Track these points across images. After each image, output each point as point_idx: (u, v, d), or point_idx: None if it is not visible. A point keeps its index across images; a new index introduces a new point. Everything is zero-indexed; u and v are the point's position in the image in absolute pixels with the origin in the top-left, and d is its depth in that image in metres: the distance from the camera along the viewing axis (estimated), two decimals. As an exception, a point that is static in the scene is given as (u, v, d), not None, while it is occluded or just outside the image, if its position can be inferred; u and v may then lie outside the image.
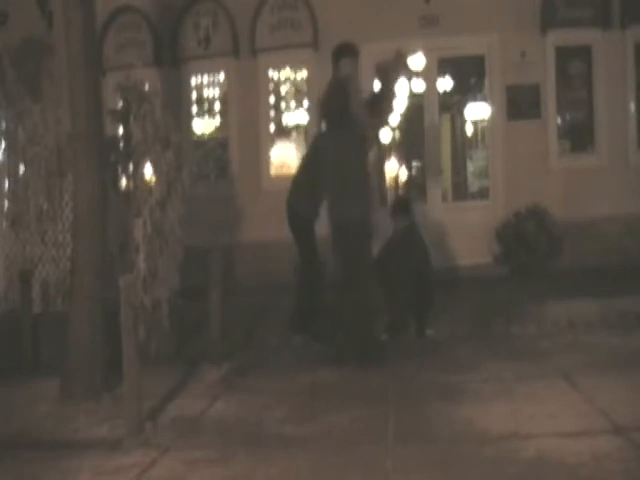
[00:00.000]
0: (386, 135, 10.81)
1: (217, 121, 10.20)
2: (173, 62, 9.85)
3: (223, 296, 5.67)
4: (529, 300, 6.84)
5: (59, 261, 5.84)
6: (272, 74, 9.84)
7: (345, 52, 5.80)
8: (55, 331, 5.29)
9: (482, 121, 10.46)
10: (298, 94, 9.92)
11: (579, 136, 9.40)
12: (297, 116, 9.90)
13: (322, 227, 6.01)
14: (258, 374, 5.45)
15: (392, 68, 6.05)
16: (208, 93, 10.16)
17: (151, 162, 5.77)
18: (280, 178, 9.64)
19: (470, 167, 10.92)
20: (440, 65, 9.48)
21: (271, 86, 9.87)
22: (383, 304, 6.27)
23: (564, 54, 9.22)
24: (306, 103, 9.76)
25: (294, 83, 9.91)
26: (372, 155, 6.94)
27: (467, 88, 10.92)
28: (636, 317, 6.03)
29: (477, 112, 10.61)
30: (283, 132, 9.94)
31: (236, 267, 8.79)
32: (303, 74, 9.81)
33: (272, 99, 9.87)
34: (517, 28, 9.02)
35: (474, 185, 10.71)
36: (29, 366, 5.64)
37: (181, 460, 3.77)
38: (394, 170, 10.58)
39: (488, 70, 9.33)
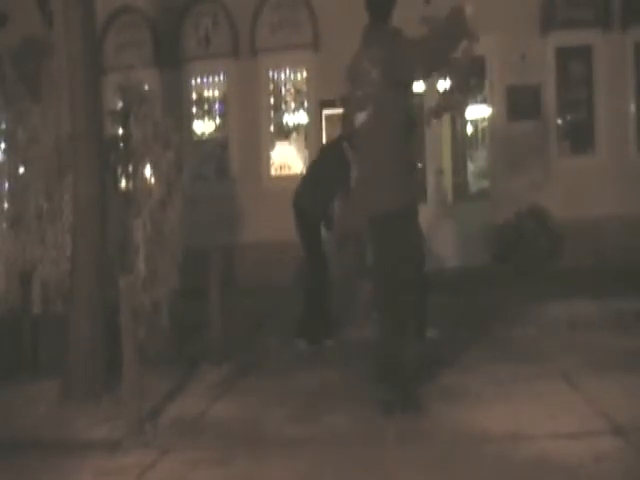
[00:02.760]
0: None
1: (217, 122, 10.21)
2: (173, 62, 9.86)
3: (223, 296, 5.67)
4: (529, 300, 6.84)
5: (59, 262, 5.83)
6: (272, 74, 9.85)
7: None
8: (55, 332, 5.29)
9: (482, 121, 10.45)
10: (298, 95, 9.93)
11: (579, 136, 9.40)
12: (297, 116, 9.90)
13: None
14: (258, 375, 5.44)
15: (448, 31, 4.17)
16: (208, 93, 10.17)
17: (151, 163, 5.76)
18: (280, 178, 9.66)
19: (470, 167, 10.91)
20: (440, 65, 9.48)
21: (271, 86, 9.88)
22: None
23: (564, 55, 9.23)
24: (306, 104, 9.76)
25: (294, 83, 9.92)
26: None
27: (467, 88, 10.92)
28: (636, 317, 6.03)
29: (477, 112, 10.61)
30: (283, 132, 9.95)
31: (236, 267, 8.79)
32: (303, 74, 9.82)
33: (272, 99, 9.88)
34: (517, 29, 9.02)
35: (474, 185, 10.70)
36: (29, 367, 5.63)
37: (181, 461, 3.77)
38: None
39: (488, 70, 9.33)
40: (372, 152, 4.39)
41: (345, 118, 5.07)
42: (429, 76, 4.56)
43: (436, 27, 4.26)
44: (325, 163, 6.38)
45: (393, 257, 4.31)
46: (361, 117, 4.40)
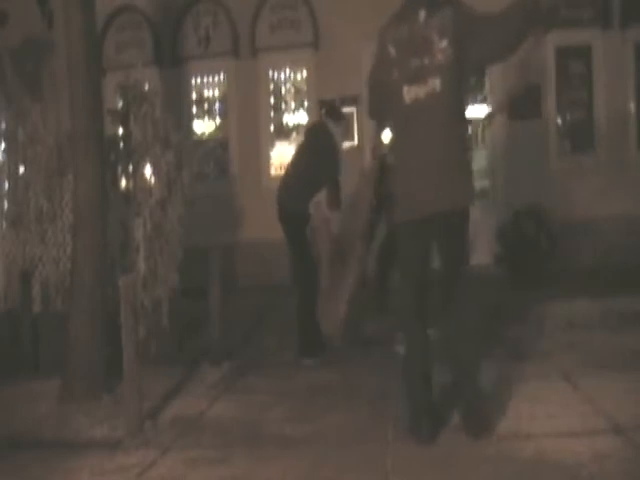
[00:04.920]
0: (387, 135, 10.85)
1: (217, 121, 10.21)
2: (173, 62, 9.86)
3: (223, 296, 5.67)
4: (529, 300, 6.83)
5: (59, 261, 5.84)
6: (272, 74, 9.85)
7: None
8: (55, 331, 5.29)
9: (482, 121, 10.45)
10: (298, 94, 9.93)
11: (579, 136, 9.40)
12: (297, 116, 9.91)
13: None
14: (258, 374, 5.45)
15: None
16: (208, 93, 10.18)
17: (151, 162, 5.77)
18: (280, 178, 9.65)
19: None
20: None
21: (271, 86, 9.88)
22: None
23: (564, 54, 9.23)
24: (306, 103, 9.76)
25: (294, 83, 9.92)
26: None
27: (467, 88, 10.91)
28: (636, 317, 6.03)
29: (477, 112, 10.61)
30: (283, 132, 9.94)
31: (236, 267, 8.80)
32: (303, 74, 9.82)
33: (272, 99, 9.89)
34: (517, 28, 9.00)
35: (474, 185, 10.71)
36: (29, 366, 5.64)
37: (181, 460, 3.77)
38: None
39: (488, 70, 9.32)
40: (432, 134, 3.70)
41: (376, 89, 4.03)
42: (493, 60, 3.98)
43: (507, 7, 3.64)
44: (310, 150, 5.91)
45: (452, 262, 3.93)
46: (415, 91, 3.71)
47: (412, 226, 3.82)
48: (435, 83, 3.67)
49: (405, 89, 3.74)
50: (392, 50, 3.81)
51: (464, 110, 3.86)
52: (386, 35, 3.88)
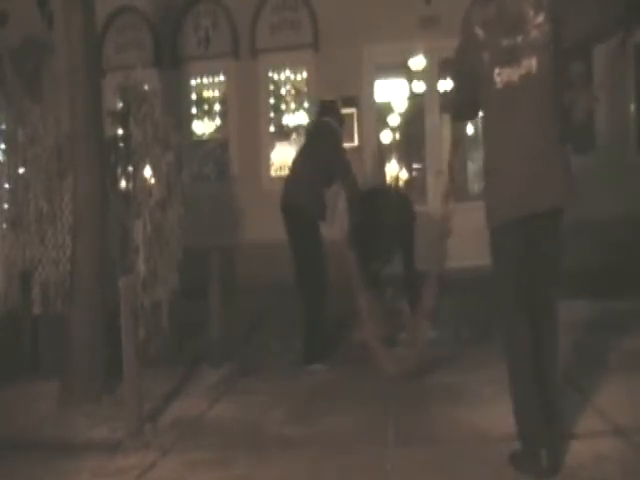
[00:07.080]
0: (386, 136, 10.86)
1: (217, 122, 10.22)
2: (173, 63, 9.87)
3: (223, 296, 5.67)
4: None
5: (59, 262, 5.84)
6: (272, 75, 9.86)
7: None
8: (55, 332, 5.29)
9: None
10: (298, 95, 9.94)
11: (579, 136, 9.39)
12: (297, 117, 9.91)
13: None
14: (258, 375, 5.44)
15: None
16: (208, 94, 10.19)
17: (151, 163, 5.77)
18: (280, 179, 9.62)
19: (470, 167, 10.92)
20: (441, 66, 9.48)
21: (271, 87, 9.89)
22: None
23: (564, 54, 9.21)
24: (306, 104, 9.77)
25: (294, 84, 9.93)
26: None
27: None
28: (636, 318, 6.02)
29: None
30: (283, 133, 9.95)
31: (236, 267, 8.79)
32: (303, 75, 9.83)
33: (272, 100, 9.90)
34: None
35: (474, 186, 10.71)
36: (29, 367, 5.64)
37: (181, 462, 3.77)
38: (395, 171, 10.60)
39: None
40: (527, 123, 3.29)
41: (461, 81, 3.61)
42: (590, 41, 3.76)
43: None
44: (316, 148, 5.78)
45: (545, 270, 3.45)
46: (508, 73, 3.27)
47: (508, 227, 3.40)
48: (530, 64, 3.25)
49: (496, 71, 3.29)
50: (480, 32, 3.34)
51: (563, 95, 3.44)
52: (472, 17, 3.39)
